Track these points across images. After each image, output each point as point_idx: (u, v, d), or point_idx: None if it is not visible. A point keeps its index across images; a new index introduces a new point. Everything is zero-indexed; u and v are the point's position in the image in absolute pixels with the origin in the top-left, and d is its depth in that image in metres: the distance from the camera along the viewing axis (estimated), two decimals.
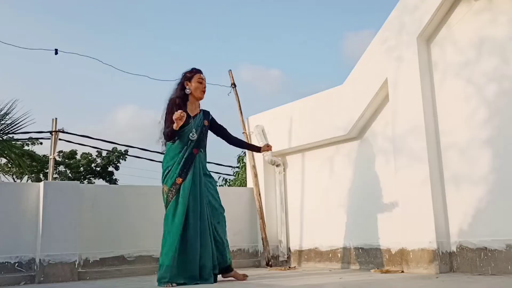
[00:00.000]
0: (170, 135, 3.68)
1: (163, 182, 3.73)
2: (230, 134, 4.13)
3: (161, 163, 3.82)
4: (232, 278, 3.79)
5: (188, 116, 3.74)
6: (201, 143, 3.81)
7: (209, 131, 3.96)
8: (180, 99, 3.80)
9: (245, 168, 7.82)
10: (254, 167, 5.56)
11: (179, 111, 3.55)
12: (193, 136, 3.73)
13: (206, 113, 3.95)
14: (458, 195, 3.76)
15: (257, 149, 4.32)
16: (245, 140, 5.24)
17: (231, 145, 4.22)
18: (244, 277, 3.79)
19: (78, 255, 4.32)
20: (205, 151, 3.88)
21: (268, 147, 4.23)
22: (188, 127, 3.73)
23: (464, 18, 3.85)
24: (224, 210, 3.85)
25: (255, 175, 5.52)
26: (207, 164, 3.92)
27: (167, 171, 3.71)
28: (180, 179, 3.63)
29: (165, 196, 3.69)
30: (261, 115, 5.68)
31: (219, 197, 3.85)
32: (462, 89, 3.81)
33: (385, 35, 4.32)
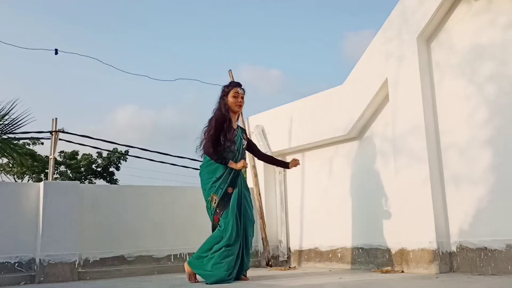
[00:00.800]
0: (218, 160, 3.74)
1: (208, 191, 3.78)
2: (259, 150, 4.35)
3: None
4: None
5: (233, 128, 3.86)
6: (244, 157, 3.93)
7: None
8: (226, 113, 3.85)
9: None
10: (254, 167, 5.56)
11: (243, 161, 3.75)
12: (237, 150, 3.84)
13: (242, 129, 4.07)
14: (458, 195, 3.75)
15: (286, 165, 4.29)
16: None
17: (261, 161, 4.40)
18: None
19: (78, 255, 4.32)
20: None
21: (296, 161, 4.19)
22: (236, 140, 3.85)
23: (464, 18, 3.85)
24: (254, 222, 3.98)
25: (255, 175, 5.52)
26: None
27: (214, 180, 3.75)
28: (231, 189, 3.76)
29: (213, 204, 3.74)
30: (261, 115, 5.68)
31: (252, 209, 3.97)
32: (462, 89, 3.81)
33: (385, 35, 4.32)
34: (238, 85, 3.95)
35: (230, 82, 4.04)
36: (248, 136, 4.15)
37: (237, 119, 4.08)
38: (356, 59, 4.66)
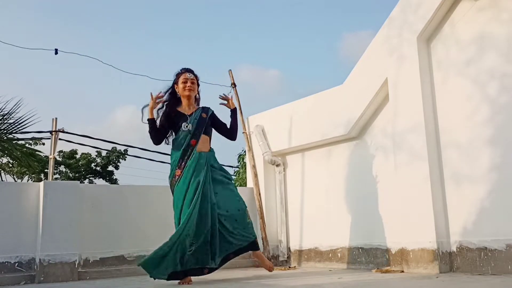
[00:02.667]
0: (151, 133, 3.85)
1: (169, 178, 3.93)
2: (224, 127, 4.14)
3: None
4: None
5: (183, 115, 3.90)
6: (198, 135, 3.88)
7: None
8: (169, 103, 3.97)
9: (246, 168, 7.82)
10: (254, 167, 5.56)
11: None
12: (186, 126, 3.85)
13: (205, 109, 4.04)
14: (459, 195, 3.75)
15: (232, 112, 4.15)
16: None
17: (229, 138, 4.17)
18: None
19: (78, 255, 4.32)
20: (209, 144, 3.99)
21: (224, 97, 4.14)
22: (184, 124, 3.85)
23: (465, 17, 3.84)
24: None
25: (255, 175, 5.52)
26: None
27: (171, 166, 3.87)
28: (179, 171, 3.78)
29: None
30: (261, 115, 5.68)
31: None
32: (462, 87, 3.81)
33: (385, 34, 4.32)
34: (187, 70, 4.01)
35: (180, 69, 4.06)
36: (210, 114, 4.02)
37: (195, 102, 4.05)
38: (354, 60, 4.69)
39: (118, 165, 24.89)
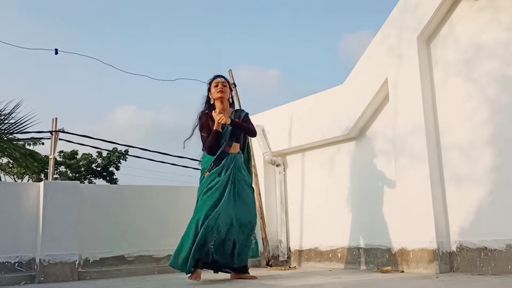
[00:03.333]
0: (210, 144, 3.84)
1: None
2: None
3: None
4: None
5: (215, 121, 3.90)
6: (229, 141, 3.90)
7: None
8: (206, 111, 4.00)
9: None
10: (254, 167, 5.55)
11: (218, 111, 3.90)
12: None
13: (238, 112, 4.11)
14: (458, 195, 3.75)
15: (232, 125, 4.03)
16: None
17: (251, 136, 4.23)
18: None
19: (78, 255, 4.32)
20: (244, 149, 4.09)
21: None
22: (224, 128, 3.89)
23: (465, 17, 3.84)
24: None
25: (255, 175, 5.51)
26: None
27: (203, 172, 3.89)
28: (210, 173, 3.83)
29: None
30: (261, 115, 5.68)
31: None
32: (462, 88, 3.81)
33: (385, 34, 4.32)
34: (218, 76, 4.06)
35: (212, 77, 4.09)
36: (243, 117, 4.07)
37: (230, 105, 4.09)
38: (354, 60, 4.69)
39: (119, 166, 24.88)
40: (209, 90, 4.06)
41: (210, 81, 4.08)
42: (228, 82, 4.10)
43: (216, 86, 3.99)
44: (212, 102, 4.02)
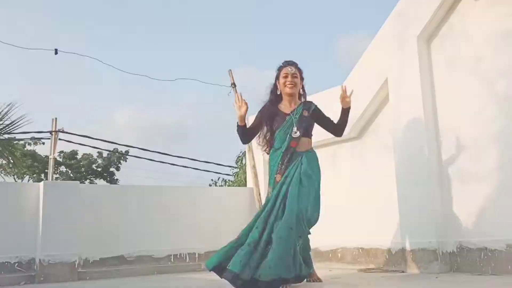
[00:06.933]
0: (238, 132, 3.45)
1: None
2: (330, 122, 3.73)
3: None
4: None
5: (283, 114, 3.46)
6: (298, 137, 3.46)
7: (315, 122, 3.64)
8: (270, 102, 3.55)
9: (244, 169, 7.80)
10: (254, 167, 5.55)
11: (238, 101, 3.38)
12: (296, 133, 3.44)
13: (307, 104, 3.56)
14: (458, 195, 3.75)
15: (345, 111, 3.67)
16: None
17: (334, 134, 3.82)
18: None
19: (78, 255, 4.32)
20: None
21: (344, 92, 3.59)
22: (283, 126, 3.44)
23: (465, 17, 3.84)
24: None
25: (255, 175, 5.51)
26: None
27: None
28: (279, 176, 3.38)
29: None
30: None
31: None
32: (462, 88, 3.81)
33: (385, 34, 4.32)
34: (288, 64, 3.53)
35: (282, 62, 3.58)
36: (312, 110, 3.58)
37: (300, 96, 3.60)
38: (353, 60, 4.67)
39: (119, 166, 24.87)
40: (277, 78, 3.55)
41: (279, 67, 3.56)
42: (300, 71, 3.55)
43: (286, 77, 3.47)
44: (279, 93, 3.53)
